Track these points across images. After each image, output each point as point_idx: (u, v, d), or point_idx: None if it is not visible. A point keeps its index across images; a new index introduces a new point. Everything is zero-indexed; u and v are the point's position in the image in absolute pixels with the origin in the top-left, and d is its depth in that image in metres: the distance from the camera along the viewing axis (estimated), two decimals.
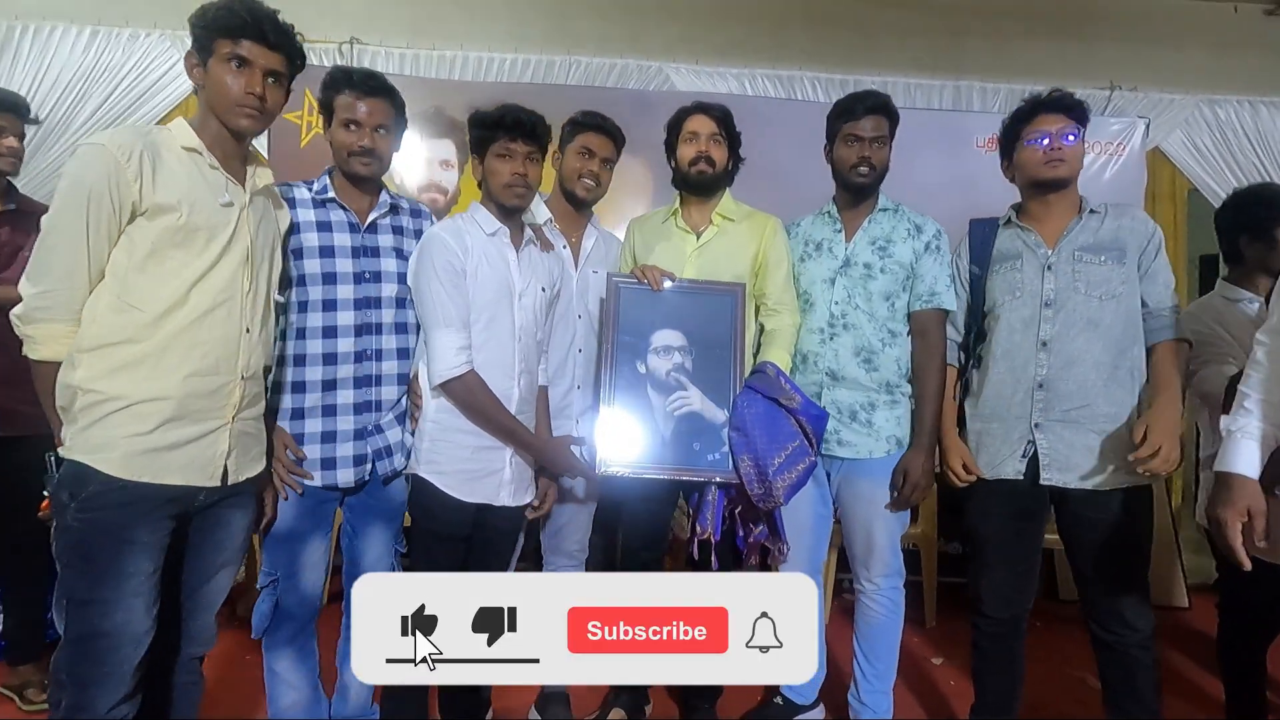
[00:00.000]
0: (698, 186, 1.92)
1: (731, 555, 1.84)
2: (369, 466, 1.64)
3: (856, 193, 1.92)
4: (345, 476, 1.62)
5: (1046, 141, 1.70)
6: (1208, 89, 3.55)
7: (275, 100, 1.37)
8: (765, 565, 1.86)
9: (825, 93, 3.51)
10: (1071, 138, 1.71)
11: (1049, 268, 1.72)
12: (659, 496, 1.90)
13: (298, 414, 1.59)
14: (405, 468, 1.69)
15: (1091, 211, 1.75)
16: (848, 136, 1.87)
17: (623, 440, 1.72)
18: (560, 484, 1.90)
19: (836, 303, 1.88)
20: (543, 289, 1.72)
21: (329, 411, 1.61)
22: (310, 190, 1.64)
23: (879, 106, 1.88)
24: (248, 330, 1.37)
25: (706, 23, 3.56)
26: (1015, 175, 1.82)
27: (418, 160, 3.26)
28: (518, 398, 1.67)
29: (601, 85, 3.45)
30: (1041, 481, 1.70)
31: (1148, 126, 3.41)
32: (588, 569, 2.02)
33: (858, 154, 1.85)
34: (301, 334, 1.59)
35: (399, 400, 1.69)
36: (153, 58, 3.28)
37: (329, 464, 1.61)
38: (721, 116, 1.91)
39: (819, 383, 1.88)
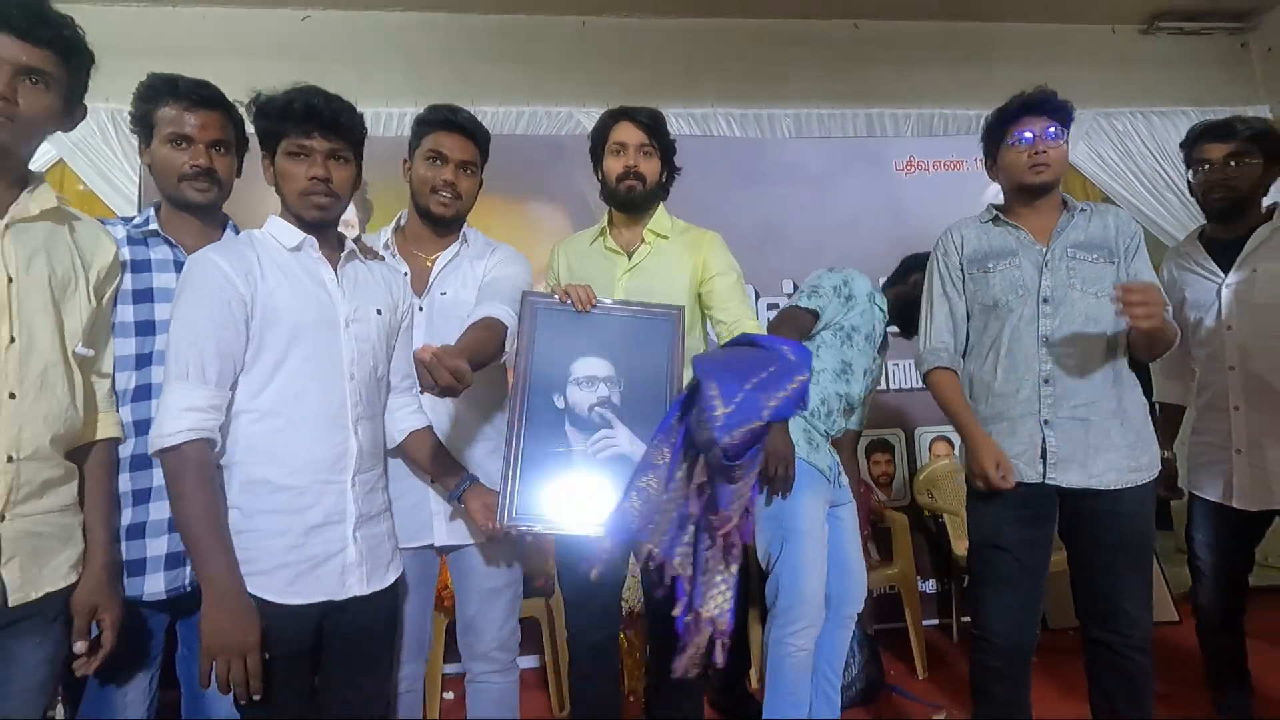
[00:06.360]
0: (627, 204, 1.69)
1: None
2: (188, 570, 1.27)
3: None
4: (155, 585, 1.25)
5: (1030, 140, 1.61)
6: (1101, 103, 3.68)
7: (36, 106, 1.08)
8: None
9: (740, 128, 3.47)
10: (1054, 138, 1.62)
11: (1046, 265, 1.63)
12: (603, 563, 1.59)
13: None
14: None
15: (1081, 210, 1.68)
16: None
17: (533, 489, 1.40)
18: (464, 562, 1.55)
19: (862, 392, 2.02)
20: (379, 311, 1.37)
21: (141, 497, 1.26)
22: (127, 225, 1.34)
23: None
24: (12, 396, 1.04)
25: (615, 68, 3.48)
26: (1000, 177, 1.73)
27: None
28: (357, 451, 1.30)
29: (510, 133, 3.30)
30: (1047, 481, 1.58)
31: None
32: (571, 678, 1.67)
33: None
34: (113, 399, 1.26)
35: None
36: None
37: (136, 568, 1.24)
38: (651, 124, 1.69)
39: (832, 432, 1.96)
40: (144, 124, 1.34)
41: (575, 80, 3.42)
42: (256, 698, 1.15)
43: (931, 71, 3.67)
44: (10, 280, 1.07)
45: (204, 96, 1.34)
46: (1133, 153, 3.62)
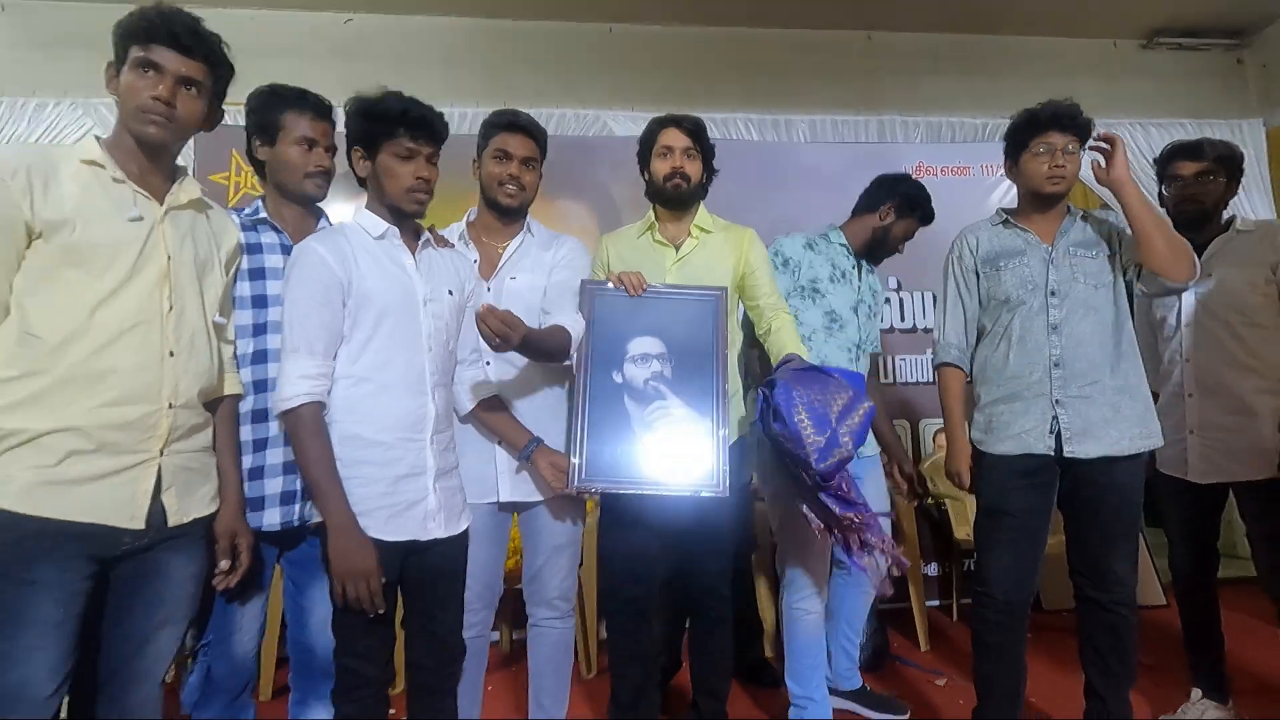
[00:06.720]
0: (673, 201, 1.87)
1: None
2: (298, 507, 1.47)
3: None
4: (272, 518, 1.45)
5: (1050, 156, 1.77)
6: (1101, 114, 3.78)
7: (190, 110, 1.27)
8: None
9: (758, 132, 3.64)
10: (1073, 152, 1.78)
11: (1051, 262, 1.82)
12: (645, 523, 1.77)
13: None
14: None
15: (1082, 216, 1.88)
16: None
17: (599, 453, 1.60)
18: (535, 521, 1.74)
19: (860, 328, 2.13)
20: (450, 292, 1.54)
21: (259, 445, 1.46)
22: (239, 214, 1.54)
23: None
24: (171, 354, 1.24)
25: (640, 73, 3.66)
26: (1018, 179, 1.89)
27: (347, 216, 3.19)
28: (435, 414, 1.47)
29: None
30: (1065, 454, 1.76)
31: None
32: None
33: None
34: (235, 361, 1.45)
35: None
36: (63, 126, 3.14)
37: (256, 504, 1.44)
38: (694, 129, 1.87)
39: None
40: (268, 126, 1.53)
41: (602, 84, 3.60)
42: (381, 612, 1.35)
43: (940, 81, 3.85)
44: (169, 258, 1.26)
45: (324, 107, 1.57)
46: (1132, 162, 3.77)
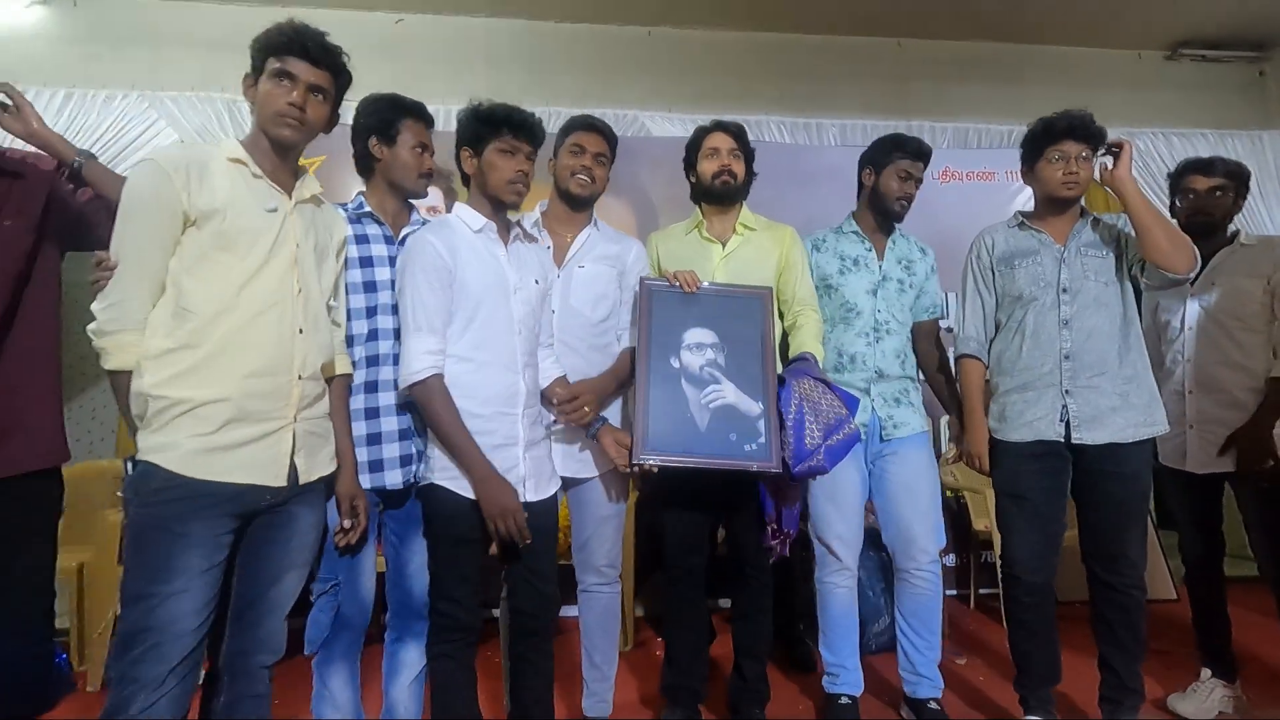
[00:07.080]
0: (721, 197, 2.02)
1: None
2: (415, 468, 1.63)
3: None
4: (394, 478, 1.61)
5: (1065, 163, 1.90)
6: (1125, 123, 3.93)
7: (317, 114, 1.42)
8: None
9: (790, 135, 3.76)
10: (1087, 160, 1.90)
11: (1063, 261, 1.94)
12: (696, 500, 1.91)
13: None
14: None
15: (1094, 218, 2.01)
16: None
17: (659, 431, 1.74)
18: (582, 495, 1.89)
19: (879, 311, 2.12)
20: (536, 281, 1.70)
21: (372, 414, 1.61)
22: (344, 209, 1.69)
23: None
24: (300, 331, 1.39)
25: (678, 76, 3.79)
26: (1034, 184, 2.02)
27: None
28: (525, 391, 1.63)
29: None
30: (1074, 441, 1.87)
31: None
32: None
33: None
34: (349, 341, 1.60)
35: None
36: (130, 118, 3.28)
37: (376, 466, 1.60)
38: (738, 133, 2.03)
39: (868, 379, 2.11)
40: (388, 129, 1.69)
41: (641, 86, 3.73)
42: (528, 541, 1.53)
43: (968, 88, 3.96)
44: (297, 245, 1.41)
45: (432, 119, 1.75)
46: (1154, 171, 3.87)
